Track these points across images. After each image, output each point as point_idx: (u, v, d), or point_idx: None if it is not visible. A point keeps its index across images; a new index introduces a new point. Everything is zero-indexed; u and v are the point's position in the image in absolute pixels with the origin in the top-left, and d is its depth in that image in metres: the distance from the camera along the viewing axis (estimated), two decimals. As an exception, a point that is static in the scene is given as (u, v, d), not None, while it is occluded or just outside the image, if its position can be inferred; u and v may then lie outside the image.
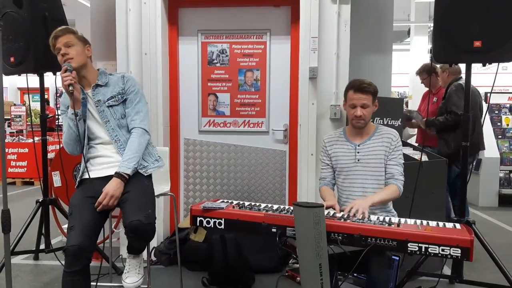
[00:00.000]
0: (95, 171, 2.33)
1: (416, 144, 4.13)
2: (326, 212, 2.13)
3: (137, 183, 2.28)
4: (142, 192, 2.27)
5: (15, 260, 3.54)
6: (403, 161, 2.42)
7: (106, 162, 2.35)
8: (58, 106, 2.54)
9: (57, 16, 3.11)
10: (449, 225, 1.98)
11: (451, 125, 3.80)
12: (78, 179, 2.38)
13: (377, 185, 2.37)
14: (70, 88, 2.22)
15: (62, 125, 2.49)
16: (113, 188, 2.19)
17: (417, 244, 1.79)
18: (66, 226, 2.90)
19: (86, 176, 2.30)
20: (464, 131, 2.85)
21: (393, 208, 2.45)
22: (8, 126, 8.07)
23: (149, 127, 2.44)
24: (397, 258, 2.47)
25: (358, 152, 2.40)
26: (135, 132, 2.36)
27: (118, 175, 2.24)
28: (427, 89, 4.39)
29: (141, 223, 2.07)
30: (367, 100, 2.34)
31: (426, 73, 4.45)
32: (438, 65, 4.14)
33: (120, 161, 2.31)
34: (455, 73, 4.04)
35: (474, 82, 2.92)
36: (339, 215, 2.09)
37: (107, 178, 2.26)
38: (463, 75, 3.76)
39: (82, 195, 2.25)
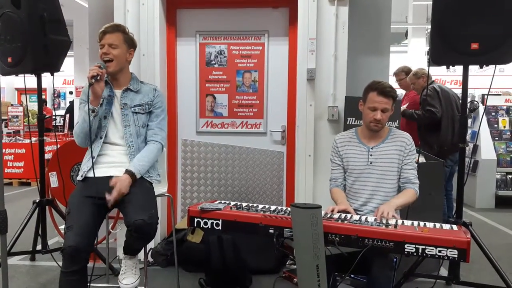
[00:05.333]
0: (97, 169, 2.30)
1: None
2: (337, 215, 2.11)
3: (138, 185, 2.29)
4: (144, 193, 2.28)
5: (12, 261, 3.51)
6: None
7: (109, 161, 2.34)
8: (55, 106, 2.55)
9: (55, 16, 3.11)
10: (446, 226, 1.99)
11: (427, 122, 4.04)
12: (81, 176, 2.34)
13: (388, 188, 2.36)
14: (93, 80, 2.20)
15: (59, 126, 2.49)
16: (125, 186, 2.20)
17: (414, 245, 1.79)
18: (63, 227, 2.90)
19: (91, 174, 2.28)
20: (461, 132, 2.86)
21: None
22: (5, 127, 8.04)
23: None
24: (394, 259, 2.47)
25: (371, 155, 2.38)
26: (155, 144, 2.43)
27: (130, 173, 2.25)
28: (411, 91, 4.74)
29: (145, 223, 2.07)
30: (389, 104, 2.31)
31: (405, 73, 4.74)
32: (413, 71, 4.51)
33: (123, 162, 2.33)
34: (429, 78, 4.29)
35: (471, 84, 2.93)
36: (336, 216, 2.09)
37: (109, 178, 2.26)
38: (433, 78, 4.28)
39: (81, 194, 2.24)
